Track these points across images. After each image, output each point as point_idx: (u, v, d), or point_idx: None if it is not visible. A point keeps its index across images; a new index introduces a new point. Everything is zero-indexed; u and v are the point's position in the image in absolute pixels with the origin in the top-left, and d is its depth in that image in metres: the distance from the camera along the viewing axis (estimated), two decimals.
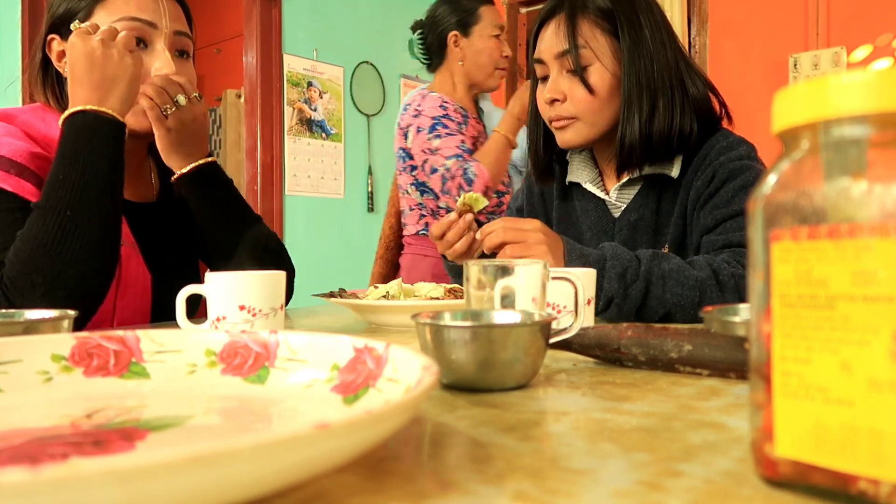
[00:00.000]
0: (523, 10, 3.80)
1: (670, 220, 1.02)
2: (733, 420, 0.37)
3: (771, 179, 0.27)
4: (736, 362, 0.48)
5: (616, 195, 1.08)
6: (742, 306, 0.58)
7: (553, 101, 1.02)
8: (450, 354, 0.45)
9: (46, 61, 0.98)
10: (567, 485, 0.27)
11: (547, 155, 1.14)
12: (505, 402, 0.42)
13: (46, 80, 0.99)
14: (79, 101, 0.84)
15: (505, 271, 0.56)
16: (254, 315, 0.68)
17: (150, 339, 0.45)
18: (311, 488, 0.27)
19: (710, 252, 0.94)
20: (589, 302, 0.73)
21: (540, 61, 1.04)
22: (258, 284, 0.68)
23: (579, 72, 0.99)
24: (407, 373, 0.36)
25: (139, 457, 0.19)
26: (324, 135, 3.55)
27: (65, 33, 0.93)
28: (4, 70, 2.44)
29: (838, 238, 0.24)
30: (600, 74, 1.00)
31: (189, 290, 0.69)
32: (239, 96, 4.46)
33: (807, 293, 0.25)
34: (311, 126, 3.50)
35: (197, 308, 1.01)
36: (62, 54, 0.95)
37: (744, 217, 0.90)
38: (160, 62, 0.92)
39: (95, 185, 0.82)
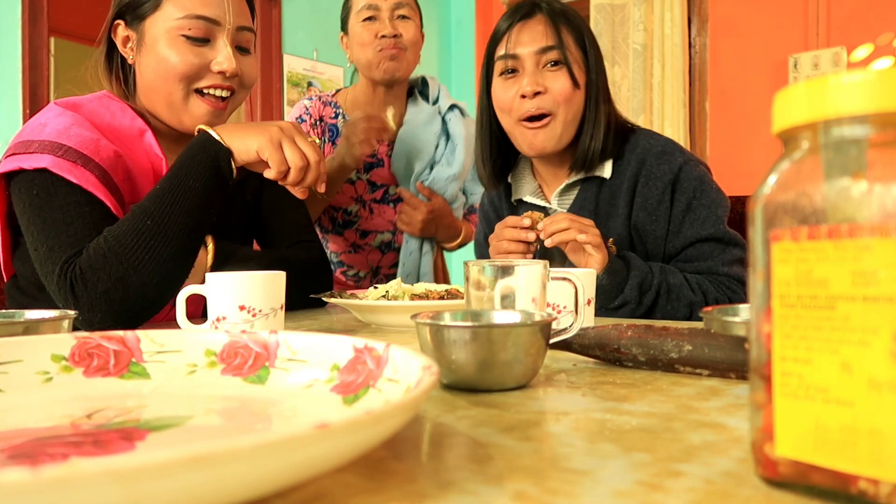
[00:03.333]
0: None
1: (609, 220, 1.08)
2: (733, 420, 0.37)
3: (771, 179, 0.27)
4: (736, 362, 0.48)
5: (557, 202, 1.14)
6: (742, 306, 0.58)
7: (535, 94, 1.04)
8: (450, 355, 0.45)
9: (111, 47, 0.99)
10: (567, 485, 0.27)
11: (493, 160, 1.17)
12: (505, 403, 0.42)
13: (111, 66, 1.00)
14: (224, 129, 0.89)
15: (505, 271, 0.56)
16: (254, 315, 0.68)
17: (150, 340, 0.45)
18: (311, 488, 0.27)
19: (689, 271, 1.03)
20: (589, 302, 0.73)
21: (514, 56, 1.05)
22: (258, 285, 0.68)
23: (567, 63, 1.03)
24: (407, 373, 0.36)
25: (139, 457, 0.19)
26: None
27: (130, 20, 0.95)
28: (4, 70, 2.44)
29: (838, 238, 0.24)
30: (577, 73, 1.05)
31: (189, 290, 0.69)
32: None
33: (807, 293, 0.25)
34: None
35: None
36: (127, 39, 0.97)
37: (717, 242, 1.02)
38: (221, 57, 0.94)
39: (183, 201, 0.83)
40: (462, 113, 1.53)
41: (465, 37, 3.81)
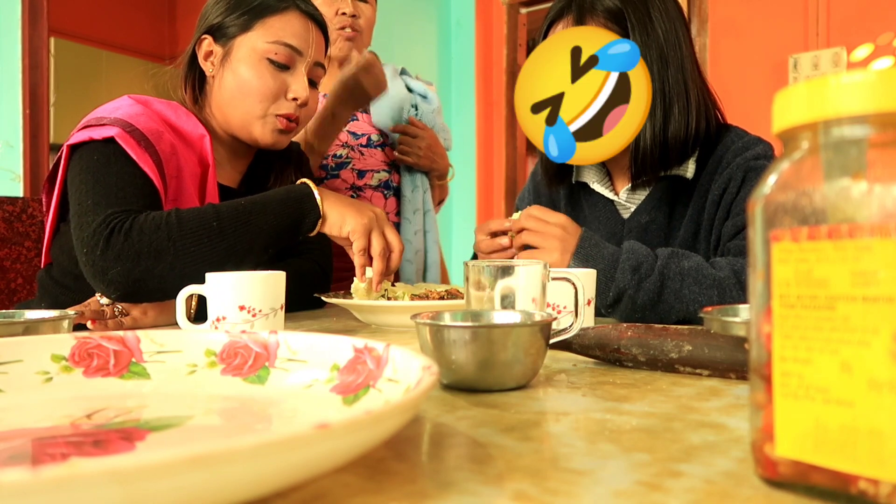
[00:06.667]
0: (523, 11, 3.80)
1: (682, 222, 0.99)
2: (733, 420, 0.37)
3: (771, 179, 0.27)
4: (736, 362, 0.48)
5: (626, 196, 1.05)
6: (742, 306, 0.58)
7: None
8: (450, 355, 0.45)
9: (193, 58, 1.05)
10: (567, 485, 0.27)
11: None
12: (505, 403, 0.42)
13: (189, 75, 1.06)
14: (328, 196, 0.91)
15: (505, 271, 0.56)
16: (254, 315, 0.68)
17: (150, 340, 0.45)
18: (311, 488, 0.27)
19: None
20: (589, 302, 0.73)
21: None
22: (258, 285, 0.68)
23: None
24: (407, 373, 0.36)
25: (139, 457, 0.19)
26: None
27: (218, 37, 1.02)
28: (4, 70, 2.44)
29: (838, 238, 0.24)
30: None
31: (189, 290, 0.69)
32: None
33: (807, 294, 0.25)
34: None
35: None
36: (209, 54, 1.03)
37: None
38: (297, 86, 1.01)
39: (252, 228, 0.85)
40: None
41: (465, 37, 3.80)
